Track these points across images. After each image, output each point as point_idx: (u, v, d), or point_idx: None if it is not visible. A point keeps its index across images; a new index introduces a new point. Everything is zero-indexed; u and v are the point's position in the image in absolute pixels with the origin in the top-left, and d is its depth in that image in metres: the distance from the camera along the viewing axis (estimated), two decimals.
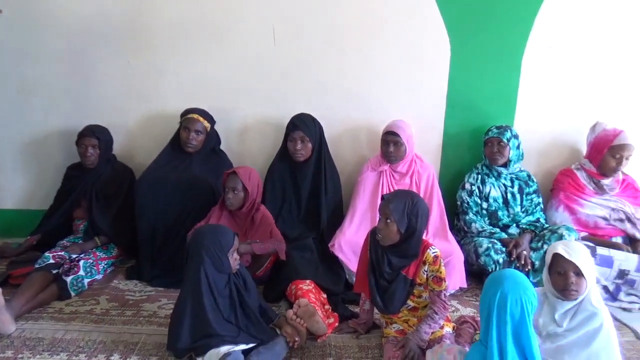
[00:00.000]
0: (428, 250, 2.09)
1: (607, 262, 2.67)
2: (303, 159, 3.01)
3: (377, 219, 2.11)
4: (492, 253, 2.77)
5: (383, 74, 3.21)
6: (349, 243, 2.76)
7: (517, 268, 2.71)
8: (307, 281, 2.49)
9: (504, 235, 2.94)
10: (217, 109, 3.16)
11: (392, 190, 2.87)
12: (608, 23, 3.15)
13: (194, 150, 3.01)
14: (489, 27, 3.14)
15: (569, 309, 1.81)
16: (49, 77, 3.24)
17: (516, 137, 3.06)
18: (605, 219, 3.00)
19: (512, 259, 2.78)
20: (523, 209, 3.08)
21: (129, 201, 2.97)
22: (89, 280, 2.73)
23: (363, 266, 2.23)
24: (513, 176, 3.10)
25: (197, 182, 2.91)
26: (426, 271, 2.09)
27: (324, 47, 3.17)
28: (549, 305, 1.86)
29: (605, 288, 2.70)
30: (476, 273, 2.85)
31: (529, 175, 3.14)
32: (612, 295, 2.71)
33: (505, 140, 3.00)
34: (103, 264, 2.87)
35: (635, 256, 2.74)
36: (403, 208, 2.01)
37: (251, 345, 2.02)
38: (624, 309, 2.66)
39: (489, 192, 3.07)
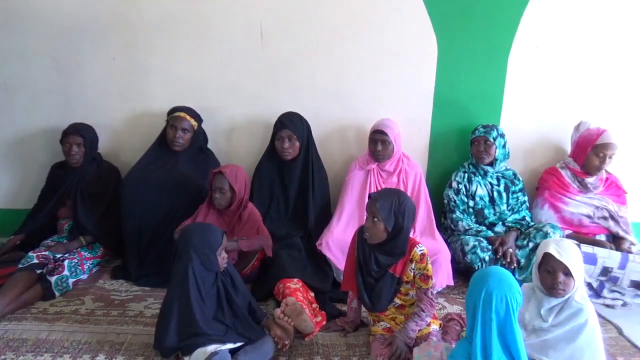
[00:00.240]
0: (415, 248, 2.10)
1: (590, 260, 2.70)
2: (291, 158, 3.00)
3: (365, 217, 2.11)
4: (479, 251, 2.79)
5: (371, 73, 3.22)
6: (337, 242, 2.76)
7: (503, 266, 2.74)
8: (295, 280, 2.49)
9: (490, 234, 2.96)
10: (205, 107, 3.14)
11: (379, 188, 2.88)
12: (593, 24, 3.19)
13: (181, 149, 2.99)
14: (476, 27, 3.16)
15: (555, 305, 1.84)
16: (32, 75, 3.19)
17: (502, 136, 3.09)
18: (589, 217, 3.04)
19: (498, 256, 2.81)
20: (509, 207, 3.11)
21: (114, 200, 2.94)
22: (74, 280, 2.71)
23: (350, 264, 2.24)
24: (499, 175, 3.13)
25: (184, 181, 2.89)
26: (413, 269, 2.10)
27: (311, 45, 3.16)
28: (535, 300, 1.89)
29: (589, 285, 2.74)
30: (463, 271, 2.86)
31: (514, 174, 3.17)
32: (595, 292, 2.75)
33: (491, 139, 3.03)
34: (88, 264, 2.84)
35: (618, 253, 2.78)
36: (390, 206, 2.02)
37: (239, 344, 2.02)
38: (608, 306, 2.71)
39: (476, 191, 3.09)
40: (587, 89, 3.30)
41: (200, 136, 3.10)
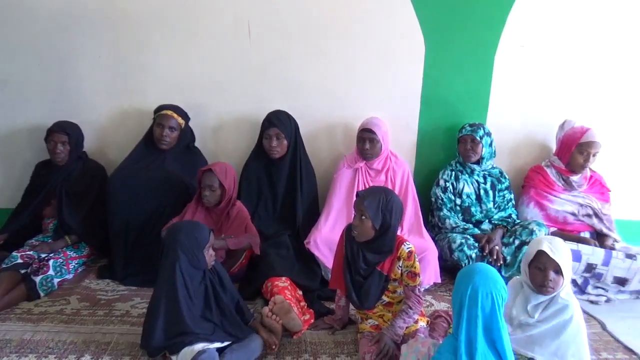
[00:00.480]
0: (402, 246, 2.11)
1: (575, 257, 2.73)
2: (278, 156, 3.00)
3: (353, 215, 2.12)
4: (466, 248, 2.82)
5: (359, 72, 3.22)
6: (325, 240, 2.77)
7: (489, 263, 2.77)
8: (283, 278, 2.49)
9: (476, 231, 2.99)
10: (192, 105, 3.12)
11: (367, 187, 2.89)
12: (578, 24, 3.23)
13: (168, 147, 2.97)
14: (463, 27, 3.18)
15: (542, 301, 1.86)
16: (17, 72, 3.14)
17: (489, 134, 3.12)
18: (573, 214, 3.09)
19: (485, 254, 2.84)
20: (495, 205, 3.14)
21: (100, 199, 2.91)
22: (59, 280, 2.68)
23: (338, 262, 2.24)
24: (486, 173, 3.16)
25: (171, 179, 2.87)
26: (401, 267, 2.11)
27: (299, 44, 3.16)
28: (522, 295, 1.91)
29: (573, 281, 2.78)
30: (450, 268, 2.89)
31: (501, 172, 3.20)
32: (580, 289, 2.80)
33: (478, 138, 3.05)
34: (74, 264, 2.81)
35: (602, 250, 2.82)
36: (377, 204, 2.02)
37: (226, 343, 2.01)
38: (592, 302, 2.75)
39: (463, 189, 3.11)
40: (571, 88, 3.34)
41: (187, 134, 3.08)
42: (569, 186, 3.13)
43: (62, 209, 2.86)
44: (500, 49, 3.23)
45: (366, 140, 2.96)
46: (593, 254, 2.79)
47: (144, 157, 2.97)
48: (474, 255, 2.81)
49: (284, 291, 2.34)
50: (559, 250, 1.81)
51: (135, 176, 2.85)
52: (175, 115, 2.95)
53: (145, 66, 3.16)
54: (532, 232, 2.85)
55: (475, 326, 1.56)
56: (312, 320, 2.33)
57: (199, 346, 1.89)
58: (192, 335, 1.92)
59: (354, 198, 2.15)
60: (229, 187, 2.64)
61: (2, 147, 3.27)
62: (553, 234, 2.99)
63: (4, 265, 2.55)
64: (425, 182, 3.30)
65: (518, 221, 3.05)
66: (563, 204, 3.10)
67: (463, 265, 2.76)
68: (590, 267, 2.77)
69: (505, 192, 3.16)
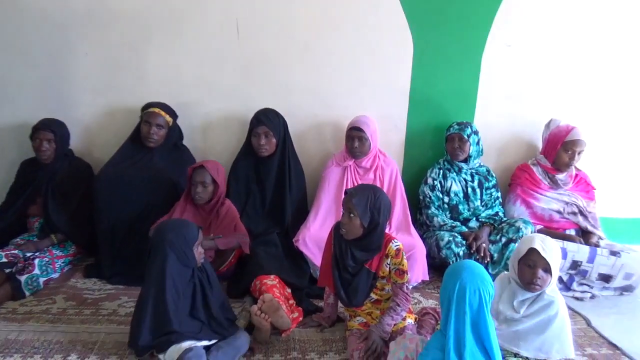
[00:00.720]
0: (390, 243, 2.12)
1: (561, 254, 2.77)
2: (267, 154, 2.99)
3: (341, 213, 2.13)
4: (453, 246, 2.84)
5: (347, 71, 3.23)
6: (314, 238, 2.77)
7: (476, 260, 2.80)
8: (272, 276, 2.48)
9: (464, 229, 3.01)
10: (180, 103, 3.10)
11: (356, 185, 2.90)
12: (564, 24, 3.28)
13: (155, 145, 2.94)
14: (451, 27, 3.20)
15: (528, 297, 1.88)
16: (1, 69, 3.09)
17: (476, 133, 3.14)
18: (559, 212, 3.12)
19: (472, 251, 2.86)
20: (483, 203, 3.16)
21: (87, 197, 2.87)
22: (45, 279, 2.64)
23: (327, 260, 2.24)
24: (473, 171, 3.18)
25: (159, 177, 2.85)
26: (389, 264, 2.12)
27: (288, 42, 3.16)
28: (509, 291, 1.93)
29: (559, 278, 2.81)
30: (438, 266, 2.90)
31: (488, 171, 3.23)
32: (565, 285, 2.83)
33: (465, 136, 3.08)
34: (60, 262, 2.78)
35: (587, 248, 2.86)
36: (366, 202, 2.03)
37: (214, 341, 2.00)
38: (577, 298, 2.78)
39: (450, 187, 3.14)
40: (558, 87, 3.38)
41: (175, 132, 3.06)
42: (554, 184, 3.16)
43: (48, 208, 2.83)
44: (487, 48, 3.26)
45: (355, 139, 2.97)
46: (578, 251, 2.83)
47: (131, 155, 2.95)
48: (461, 253, 2.84)
49: (273, 289, 2.34)
50: (550, 250, 1.83)
51: (122, 174, 2.82)
52: (162, 112, 2.93)
53: (133, 64, 3.13)
54: (518, 230, 2.88)
55: (464, 323, 1.57)
56: (301, 318, 2.33)
57: (186, 344, 1.88)
58: (178, 334, 1.91)
59: (343, 196, 2.15)
60: (222, 183, 2.64)
61: None
62: (539, 231, 3.02)
63: None
64: (414, 180, 3.32)
65: (505, 219, 3.08)
66: (549, 202, 3.14)
67: (451, 262, 2.78)
68: (575, 264, 2.81)
69: (493, 190, 3.19)
